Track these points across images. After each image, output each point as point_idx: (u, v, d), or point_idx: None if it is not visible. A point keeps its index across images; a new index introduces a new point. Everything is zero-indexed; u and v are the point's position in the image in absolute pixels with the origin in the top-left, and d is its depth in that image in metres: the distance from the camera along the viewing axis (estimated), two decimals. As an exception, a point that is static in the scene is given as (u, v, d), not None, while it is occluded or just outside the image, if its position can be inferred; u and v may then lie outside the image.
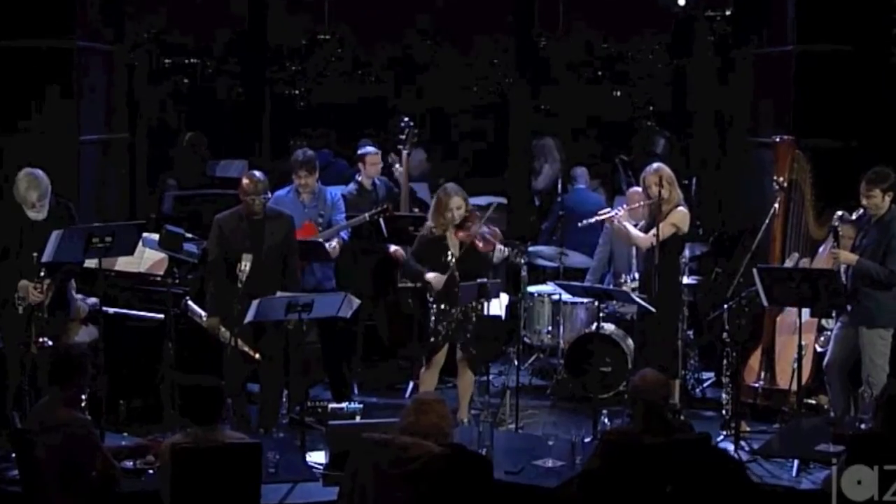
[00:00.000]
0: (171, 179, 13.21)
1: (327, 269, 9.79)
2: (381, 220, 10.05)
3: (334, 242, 9.73)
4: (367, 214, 9.88)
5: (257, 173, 8.98)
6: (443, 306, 9.19)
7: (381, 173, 10.62)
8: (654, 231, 9.27)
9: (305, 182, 9.72)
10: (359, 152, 10.62)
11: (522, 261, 10.09)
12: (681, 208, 9.34)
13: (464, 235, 9.16)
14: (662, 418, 6.50)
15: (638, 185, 9.92)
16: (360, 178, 10.48)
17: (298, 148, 10.56)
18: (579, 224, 9.85)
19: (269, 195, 8.97)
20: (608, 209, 9.88)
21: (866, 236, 8.74)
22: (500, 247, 9.26)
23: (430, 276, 9.15)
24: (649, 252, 9.33)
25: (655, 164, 9.53)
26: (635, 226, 9.55)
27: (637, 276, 10.13)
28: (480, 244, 9.15)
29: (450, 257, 9.19)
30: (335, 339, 9.96)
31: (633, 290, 9.84)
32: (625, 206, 9.78)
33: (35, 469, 6.71)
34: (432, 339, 9.22)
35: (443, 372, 9.54)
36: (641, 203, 9.61)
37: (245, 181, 8.90)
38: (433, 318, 9.22)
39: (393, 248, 10.22)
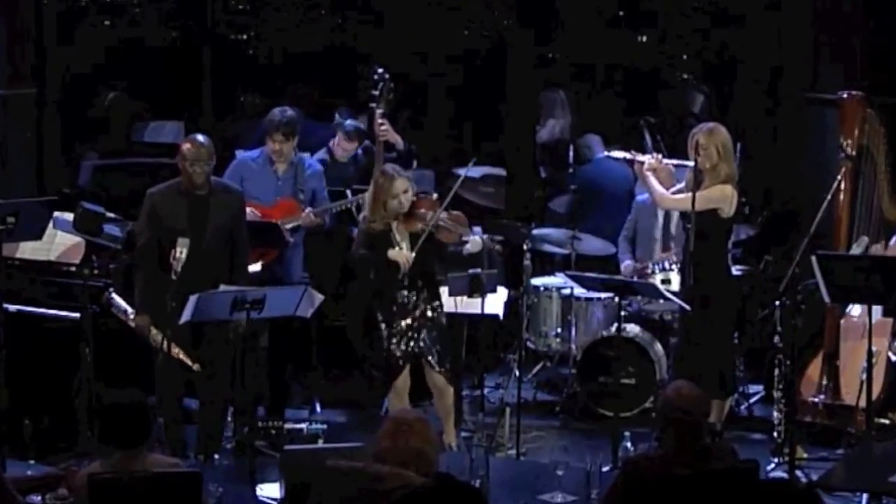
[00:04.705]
0: (92, 152, 13.19)
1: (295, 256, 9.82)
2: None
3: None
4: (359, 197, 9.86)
5: (200, 136, 8.97)
6: (394, 324, 9.12)
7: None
8: (678, 191, 9.21)
9: (281, 149, 9.77)
10: (336, 122, 10.68)
11: (499, 248, 10.00)
12: (727, 186, 9.23)
13: (415, 224, 9.08)
14: (699, 443, 6.49)
15: (668, 153, 9.88)
16: (333, 147, 10.53)
17: (249, 105, 10.58)
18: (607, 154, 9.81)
19: (214, 163, 8.94)
20: (636, 154, 9.71)
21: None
22: (469, 236, 9.16)
23: (392, 252, 9.07)
24: (687, 237, 9.28)
25: (712, 124, 9.42)
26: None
27: (664, 265, 10.13)
28: (440, 234, 9.07)
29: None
30: (285, 336, 9.97)
31: (663, 282, 9.83)
32: (665, 159, 9.61)
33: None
34: (389, 363, 9.18)
35: (422, 389, 9.49)
36: (673, 162, 9.51)
37: (185, 146, 8.89)
38: (385, 336, 9.17)
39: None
